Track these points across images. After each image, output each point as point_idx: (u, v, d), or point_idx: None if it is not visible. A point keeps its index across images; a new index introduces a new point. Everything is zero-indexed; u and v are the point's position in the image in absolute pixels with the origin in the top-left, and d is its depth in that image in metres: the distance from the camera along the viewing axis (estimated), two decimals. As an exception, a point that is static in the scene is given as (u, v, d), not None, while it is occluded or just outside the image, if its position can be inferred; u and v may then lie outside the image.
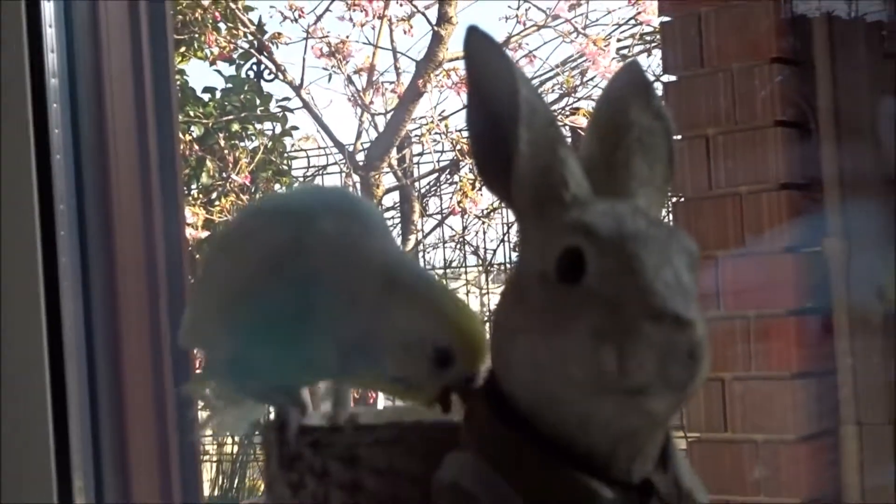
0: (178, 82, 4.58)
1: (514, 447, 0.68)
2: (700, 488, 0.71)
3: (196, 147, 4.54)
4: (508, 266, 4.61)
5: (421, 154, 5.00)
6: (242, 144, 4.73)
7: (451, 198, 4.82)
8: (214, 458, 4.38)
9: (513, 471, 0.68)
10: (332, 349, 0.79)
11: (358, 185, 4.72)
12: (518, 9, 4.77)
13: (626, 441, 0.67)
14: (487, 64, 0.72)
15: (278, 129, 4.87)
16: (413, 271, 0.81)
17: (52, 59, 1.34)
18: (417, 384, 0.77)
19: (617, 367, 0.63)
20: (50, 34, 1.34)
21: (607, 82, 0.78)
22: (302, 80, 4.74)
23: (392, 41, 4.89)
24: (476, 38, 0.72)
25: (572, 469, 0.67)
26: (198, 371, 0.94)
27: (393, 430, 0.78)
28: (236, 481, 4.18)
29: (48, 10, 1.34)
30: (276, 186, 4.77)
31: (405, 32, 4.84)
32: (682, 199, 3.23)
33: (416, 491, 0.76)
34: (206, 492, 4.07)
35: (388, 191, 4.80)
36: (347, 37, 4.83)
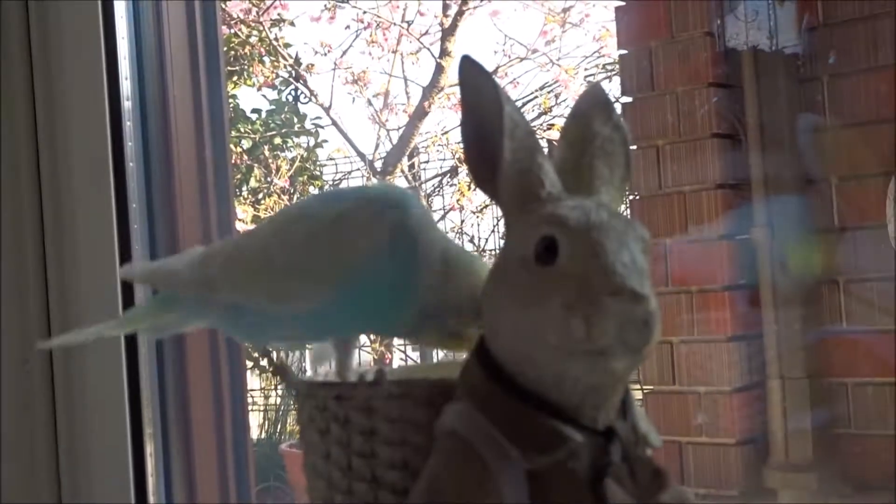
0: (231, 104, 4.58)
1: (500, 399, 0.68)
2: (653, 432, 0.71)
3: (246, 157, 4.54)
4: (497, 252, 4.61)
5: (427, 161, 5.01)
6: (283, 155, 4.72)
7: (451, 197, 4.83)
8: (261, 408, 4.38)
9: (500, 418, 0.67)
10: (409, 313, 0.79)
11: (376, 188, 4.72)
12: (504, 44, 4.80)
13: (593, 394, 0.66)
14: (478, 85, 0.71)
15: (312, 143, 4.87)
16: (460, 251, 0.81)
17: (126, 85, 1.33)
18: (472, 336, 0.78)
19: (584, 334, 0.63)
20: (124, 64, 1.33)
21: (576, 100, 0.78)
22: (331, 102, 4.74)
23: (403, 71, 4.89)
24: (468, 65, 0.71)
25: (548, 417, 0.66)
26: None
27: (403, 386, 0.77)
28: (279, 427, 4.18)
29: (124, 46, 1.33)
30: (311, 189, 4.76)
31: (413, 64, 4.85)
32: (638, 197, 3.23)
33: (421, 436, 0.74)
34: (255, 436, 4.06)
35: (401, 191, 4.80)
36: (367, 68, 4.84)
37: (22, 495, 1.31)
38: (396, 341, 3.86)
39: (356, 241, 0.79)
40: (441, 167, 4.92)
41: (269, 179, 4.55)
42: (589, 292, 0.63)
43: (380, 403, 0.76)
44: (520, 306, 0.66)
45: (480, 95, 0.71)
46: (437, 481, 0.68)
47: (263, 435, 4.17)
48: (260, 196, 4.54)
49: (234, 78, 4.61)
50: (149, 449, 1.31)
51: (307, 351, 0.89)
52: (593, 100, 0.77)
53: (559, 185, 0.70)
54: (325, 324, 0.82)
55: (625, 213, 0.77)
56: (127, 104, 1.34)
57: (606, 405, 0.68)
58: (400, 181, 4.75)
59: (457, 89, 4.44)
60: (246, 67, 4.62)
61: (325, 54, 4.82)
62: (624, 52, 3.36)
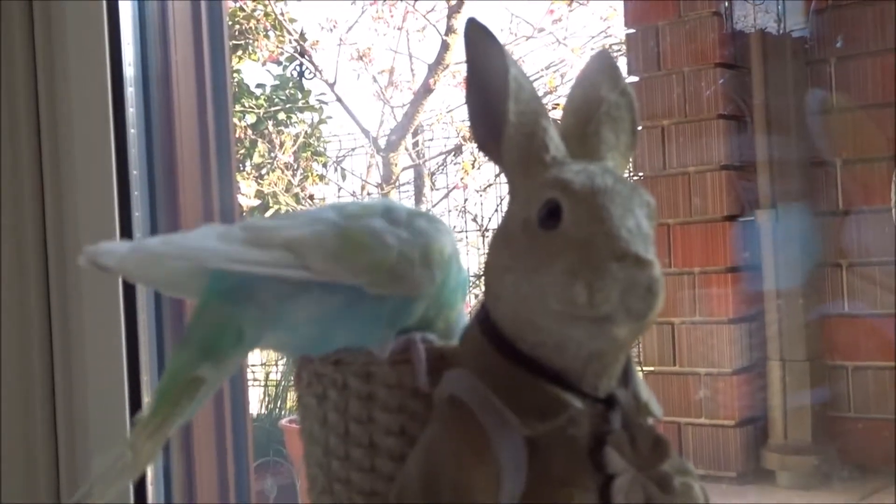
0: (235, 79, 4.57)
1: (501, 365, 0.67)
2: (654, 401, 0.70)
3: (250, 132, 4.53)
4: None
5: (431, 139, 5.01)
6: (287, 130, 4.71)
7: (455, 175, 4.83)
8: (262, 384, 4.38)
9: (500, 385, 0.66)
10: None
11: (380, 165, 4.73)
12: (511, 23, 4.80)
13: (594, 361, 0.66)
14: (483, 48, 0.70)
15: (316, 119, 4.86)
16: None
17: (128, 50, 1.32)
18: None
19: (587, 299, 0.61)
20: (126, 31, 1.32)
21: (583, 66, 0.77)
22: (336, 78, 4.74)
23: (408, 48, 4.89)
24: (474, 27, 0.70)
25: (548, 383, 0.65)
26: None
27: (402, 352, 0.76)
28: (279, 402, 4.17)
29: (126, 15, 1.32)
30: (314, 165, 4.76)
31: (419, 41, 4.85)
32: (642, 177, 3.23)
33: (419, 402, 0.74)
34: (256, 411, 4.07)
35: (404, 169, 4.80)
36: (373, 44, 4.84)
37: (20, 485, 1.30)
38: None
39: (453, 238, 0.81)
40: (445, 145, 4.92)
41: (272, 155, 4.54)
42: (592, 257, 0.62)
43: (378, 369, 0.76)
44: (522, 271, 0.65)
45: (486, 58, 0.70)
46: (434, 447, 0.67)
47: (264, 410, 4.17)
48: (263, 171, 4.53)
49: (239, 52, 4.60)
50: (146, 400, 1.30)
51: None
52: (600, 66, 0.76)
53: (564, 149, 0.69)
54: (409, 312, 0.80)
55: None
56: (129, 71, 1.32)
57: (608, 372, 0.67)
58: (403, 158, 4.75)
59: (462, 67, 4.45)
60: (251, 42, 4.61)
61: (331, 30, 4.82)
62: (631, 31, 3.35)
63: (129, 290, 1.28)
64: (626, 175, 0.70)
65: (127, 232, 1.29)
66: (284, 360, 4.21)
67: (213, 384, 0.80)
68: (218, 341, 0.78)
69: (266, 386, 4.30)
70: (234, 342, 0.79)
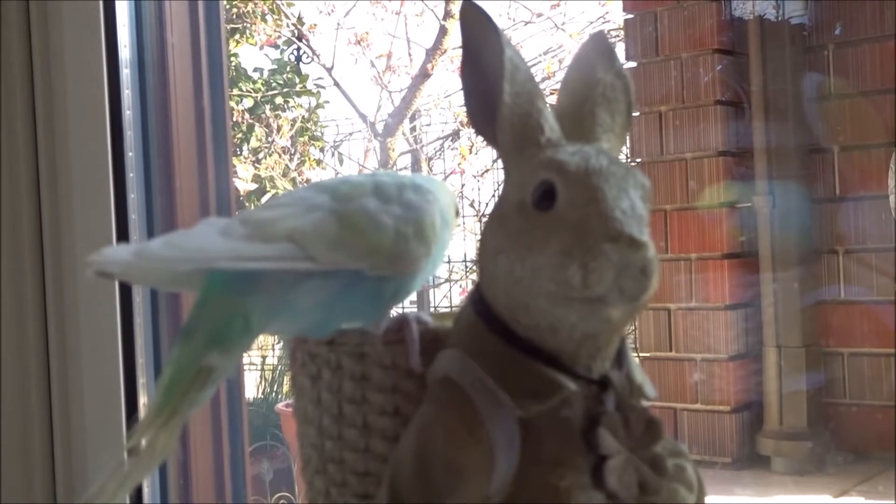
0: (233, 63, 4.56)
1: (495, 346, 0.67)
2: (648, 383, 0.70)
3: (247, 116, 4.52)
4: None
5: (429, 124, 5.00)
6: (284, 114, 4.70)
7: (452, 160, 4.82)
8: (258, 368, 4.38)
9: (493, 365, 0.66)
10: None
11: (377, 149, 4.72)
12: (509, 8, 4.80)
13: (588, 343, 0.66)
14: (479, 29, 0.70)
15: (314, 103, 4.84)
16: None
17: (124, 32, 1.32)
18: None
19: (581, 280, 0.62)
20: (122, 13, 1.31)
21: (579, 47, 0.76)
22: (333, 63, 4.73)
23: (406, 32, 4.88)
24: (470, 8, 0.70)
25: (542, 364, 0.65)
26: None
27: (396, 332, 0.76)
28: (275, 387, 4.18)
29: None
30: (311, 149, 4.75)
31: (417, 25, 4.84)
32: (639, 162, 3.23)
33: (413, 382, 0.74)
34: (252, 396, 4.07)
35: (402, 154, 4.80)
36: (370, 29, 4.83)
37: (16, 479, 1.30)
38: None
39: (448, 208, 0.81)
40: (443, 130, 4.92)
41: (270, 139, 4.53)
42: (587, 238, 0.62)
43: (372, 349, 0.75)
44: (517, 252, 0.65)
45: (481, 39, 0.69)
46: (427, 427, 0.67)
47: (260, 394, 4.17)
48: (261, 155, 4.52)
49: (237, 36, 4.59)
50: (143, 401, 1.30)
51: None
52: (596, 47, 0.75)
53: (559, 130, 0.69)
54: (406, 289, 0.80)
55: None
56: (125, 53, 1.32)
57: (602, 354, 0.67)
58: (401, 143, 4.75)
59: (460, 52, 4.42)
60: (248, 25, 4.59)
61: (329, 14, 4.81)
62: (629, 16, 3.35)
63: (126, 293, 1.28)
64: (621, 157, 0.70)
65: (123, 215, 1.29)
66: (281, 344, 4.21)
67: (223, 371, 0.78)
68: (225, 331, 0.77)
69: (262, 370, 4.31)
70: (241, 330, 0.77)
